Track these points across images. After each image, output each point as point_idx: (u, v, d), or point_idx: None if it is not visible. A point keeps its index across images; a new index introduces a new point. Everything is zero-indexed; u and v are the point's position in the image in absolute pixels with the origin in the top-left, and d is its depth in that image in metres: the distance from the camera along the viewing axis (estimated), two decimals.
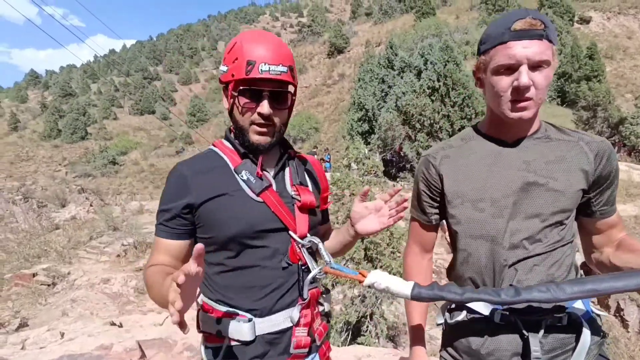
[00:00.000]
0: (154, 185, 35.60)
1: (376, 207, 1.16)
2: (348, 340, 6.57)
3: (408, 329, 1.30)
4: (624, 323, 8.72)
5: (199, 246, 0.74)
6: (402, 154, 19.78)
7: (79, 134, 46.93)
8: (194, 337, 3.80)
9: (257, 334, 1.06)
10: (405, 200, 1.17)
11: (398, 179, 19.10)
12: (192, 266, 0.72)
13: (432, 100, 18.51)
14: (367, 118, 24.50)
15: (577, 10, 37.59)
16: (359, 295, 6.79)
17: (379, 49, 40.46)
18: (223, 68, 1.09)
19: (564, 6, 36.18)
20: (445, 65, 18.29)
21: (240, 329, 1.04)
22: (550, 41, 0.98)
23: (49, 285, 9.32)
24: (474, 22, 39.54)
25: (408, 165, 19.41)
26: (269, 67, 1.01)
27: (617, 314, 8.94)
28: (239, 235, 1.05)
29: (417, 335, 1.25)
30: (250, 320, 1.06)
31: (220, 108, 54.29)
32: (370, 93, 25.12)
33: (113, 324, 4.86)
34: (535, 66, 0.97)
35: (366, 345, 5.80)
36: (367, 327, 6.69)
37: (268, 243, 1.08)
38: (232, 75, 1.04)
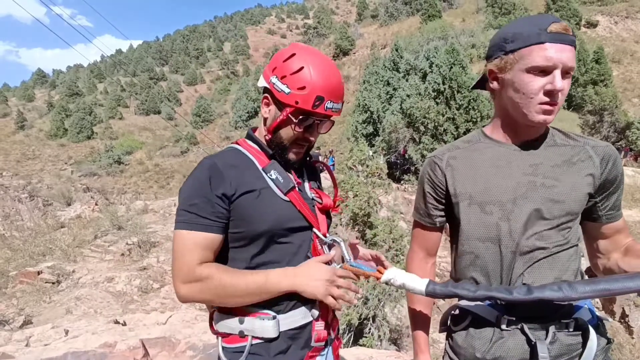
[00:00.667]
0: (158, 185, 35.78)
1: (364, 256, 1.29)
2: (350, 342, 6.56)
3: (411, 332, 1.30)
4: (629, 329, 8.64)
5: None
6: (406, 156, 19.75)
7: (85, 133, 47.29)
8: (197, 336, 3.81)
9: (280, 330, 1.09)
10: (357, 291, 1.20)
11: (402, 182, 19.08)
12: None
13: (437, 103, 18.48)
14: (371, 120, 24.50)
15: (584, 14, 37.41)
16: (362, 297, 6.78)
17: (384, 51, 40.51)
18: (283, 87, 1.07)
19: (571, 10, 36.05)
20: (451, 68, 18.25)
21: (265, 327, 1.07)
22: (575, 48, 1.00)
23: (53, 283, 9.36)
24: (480, 25, 39.45)
25: (412, 168, 19.38)
26: (333, 105, 1.08)
27: (622, 320, 8.86)
28: (268, 231, 1.08)
29: (421, 341, 1.26)
30: (274, 317, 1.08)
31: (225, 109, 54.56)
32: (375, 95, 25.13)
33: (117, 322, 4.89)
34: (565, 72, 0.97)
35: (368, 347, 5.79)
36: (370, 329, 6.68)
37: (293, 240, 1.13)
38: (296, 102, 1.05)
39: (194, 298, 1.05)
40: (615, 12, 38.06)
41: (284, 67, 1.07)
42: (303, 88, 1.04)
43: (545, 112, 1.00)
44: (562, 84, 0.96)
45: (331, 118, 1.16)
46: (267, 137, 1.17)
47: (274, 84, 1.09)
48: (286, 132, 1.12)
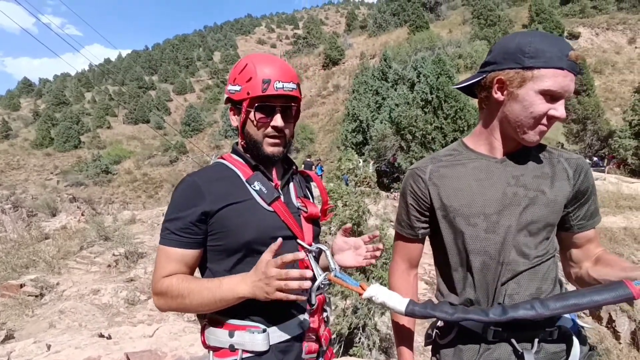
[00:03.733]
0: (147, 194, 35.35)
1: (355, 244, 1.24)
2: (340, 351, 6.51)
3: (396, 347, 1.30)
4: (616, 334, 8.74)
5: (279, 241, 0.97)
6: (396, 164, 19.90)
7: (71, 143, 46.61)
8: (183, 349, 3.75)
9: (271, 344, 1.08)
10: (379, 249, 1.23)
11: (392, 190, 19.17)
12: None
13: (425, 112, 18.72)
14: (361, 129, 24.67)
15: (566, 26, 38.43)
16: (351, 307, 6.75)
17: (373, 61, 40.99)
18: (235, 88, 1.14)
19: (553, 22, 37.00)
20: (438, 78, 18.56)
21: (255, 340, 1.06)
22: None
23: (36, 296, 9.11)
24: (466, 36, 40.28)
25: (402, 176, 19.52)
26: (283, 85, 1.10)
27: (608, 325, 8.96)
28: (252, 242, 1.08)
29: (406, 356, 1.25)
30: (264, 330, 1.08)
31: (215, 118, 54.38)
32: (365, 104, 25.36)
33: (101, 335, 4.78)
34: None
35: (358, 357, 5.76)
36: (360, 338, 6.64)
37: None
38: (248, 93, 1.10)
39: (165, 308, 1.09)
40: (597, 24, 39.20)
41: (233, 73, 1.17)
42: (250, 79, 1.10)
43: (541, 134, 1.04)
44: (564, 113, 1.00)
45: (293, 103, 1.17)
46: (243, 144, 1.20)
47: (229, 90, 1.16)
48: (252, 128, 1.15)
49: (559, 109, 0.99)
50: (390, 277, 1.34)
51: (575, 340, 1.04)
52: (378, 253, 1.22)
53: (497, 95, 1.07)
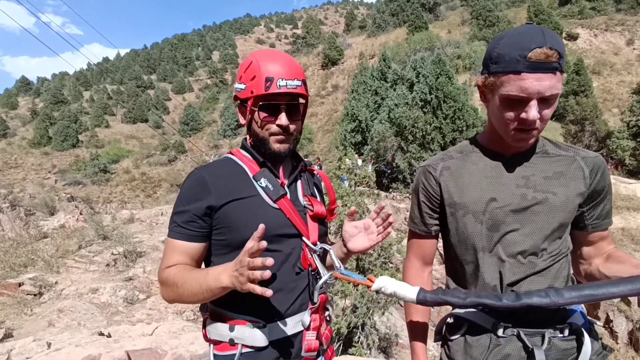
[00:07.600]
0: (145, 193, 35.31)
1: (365, 225, 1.24)
2: (339, 351, 6.52)
3: (409, 342, 1.29)
4: (613, 334, 8.80)
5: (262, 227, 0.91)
6: (394, 165, 19.92)
7: (69, 142, 46.48)
8: (183, 347, 3.76)
9: (270, 339, 1.08)
10: (390, 215, 1.22)
11: (390, 190, 19.19)
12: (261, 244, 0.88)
13: (424, 113, 18.76)
14: (360, 129, 24.69)
15: (564, 27, 38.51)
16: (351, 306, 6.77)
17: (372, 61, 41.02)
18: (240, 86, 1.15)
19: (552, 23, 37.07)
20: (437, 78, 18.59)
21: (254, 335, 1.07)
22: (562, 72, 0.95)
23: (35, 295, 9.09)
24: (465, 36, 40.37)
25: (400, 176, 19.54)
26: (286, 82, 1.10)
27: (606, 325, 9.01)
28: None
29: (419, 351, 1.24)
30: (264, 326, 1.08)
31: (213, 117, 54.33)
32: (364, 104, 25.39)
33: (101, 334, 4.78)
34: (543, 99, 0.95)
35: (357, 356, 5.77)
36: (359, 337, 6.65)
37: (282, 248, 1.12)
38: (252, 92, 1.10)
39: (166, 297, 1.11)
40: (595, 25, 39.29)
41: (240, 70, 1.18)
42: (254, 77, 1.11)
43: (522, 139, 1.02)
44: (535, 115, 0.95)
45: (300, 100, 1.17)
46: (251, 142, 1.21)
47: (236, 88, 1.17)
48: (257, 126, 1.15)
49: (528, 112, 0.95)
50: (404, 274, 1.34)
51: (587, 338, 1.03)
52: (392, 219, 1.22)
53: (482, 98, 1.12)
